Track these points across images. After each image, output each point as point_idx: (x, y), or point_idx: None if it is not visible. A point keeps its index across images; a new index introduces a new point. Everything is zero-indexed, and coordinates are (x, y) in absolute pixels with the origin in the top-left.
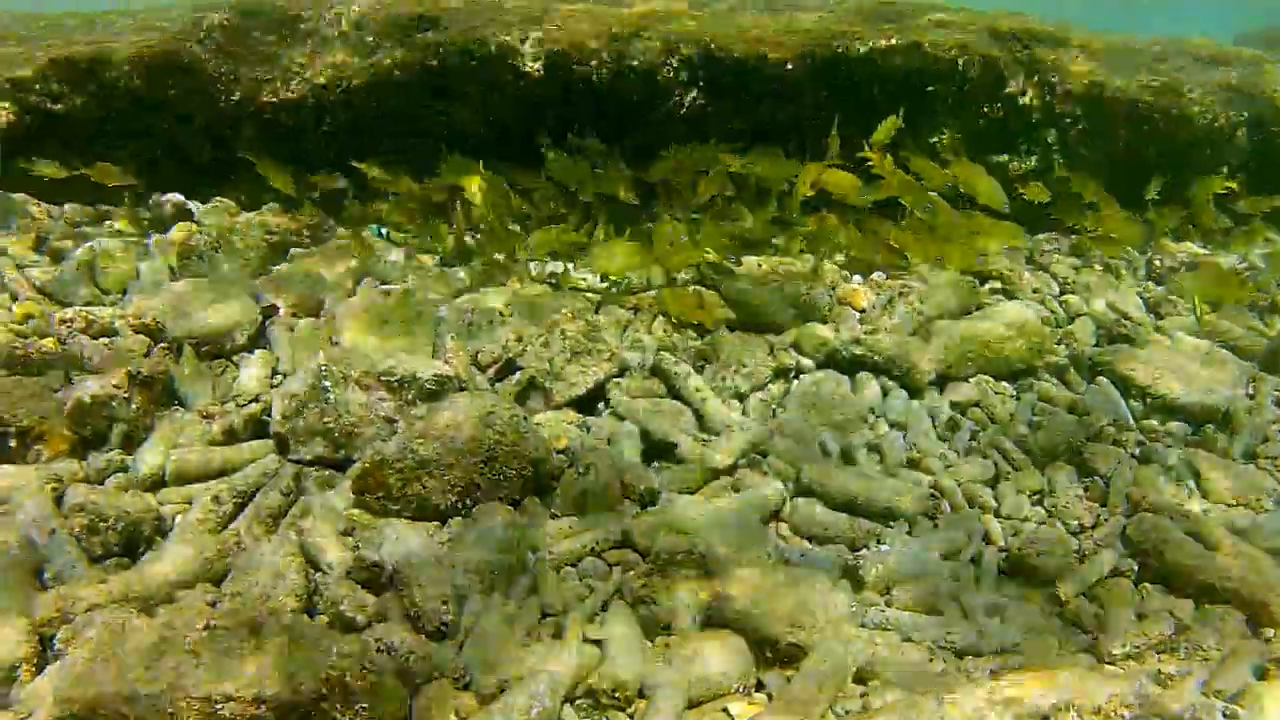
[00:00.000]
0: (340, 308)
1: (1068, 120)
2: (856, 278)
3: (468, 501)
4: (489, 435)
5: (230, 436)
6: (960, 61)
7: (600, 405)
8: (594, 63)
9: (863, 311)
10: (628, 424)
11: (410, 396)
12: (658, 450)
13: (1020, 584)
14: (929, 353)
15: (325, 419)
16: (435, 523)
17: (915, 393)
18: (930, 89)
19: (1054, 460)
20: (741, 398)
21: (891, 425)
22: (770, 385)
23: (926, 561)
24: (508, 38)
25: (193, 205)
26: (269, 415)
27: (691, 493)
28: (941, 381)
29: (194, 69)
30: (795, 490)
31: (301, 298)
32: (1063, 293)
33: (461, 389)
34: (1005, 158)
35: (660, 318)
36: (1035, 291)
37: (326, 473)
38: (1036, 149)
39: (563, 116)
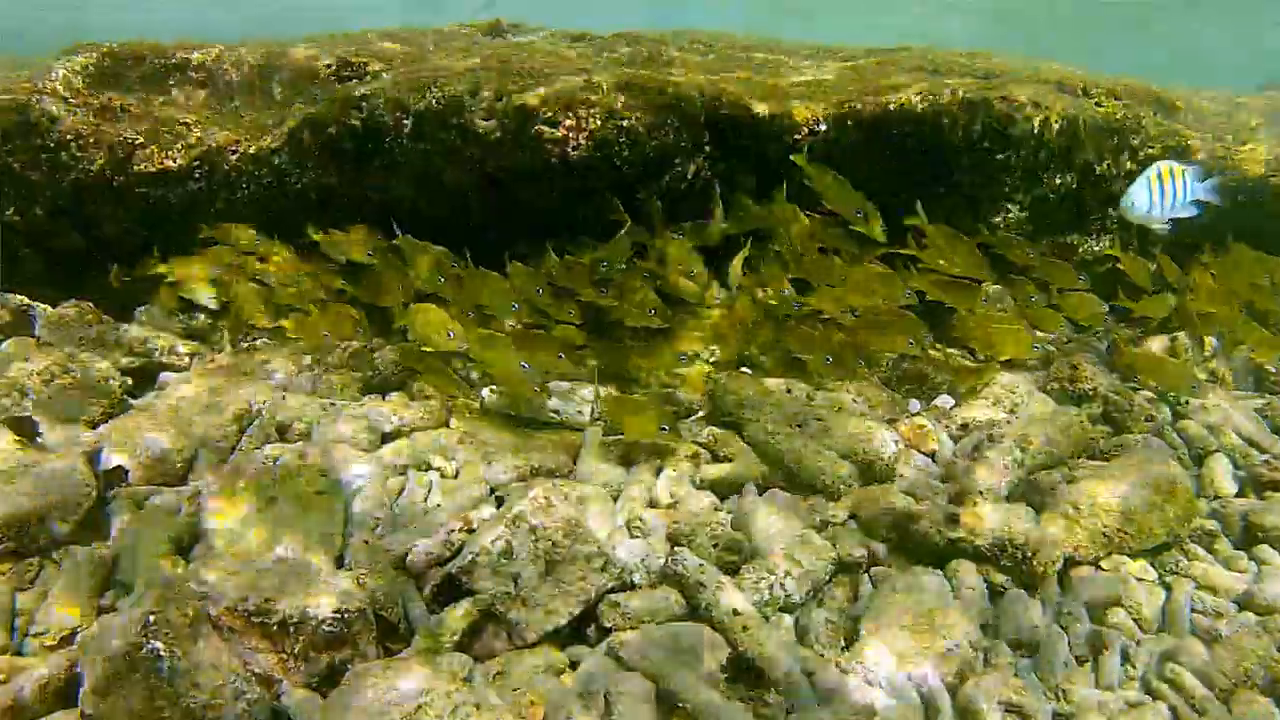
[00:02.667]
0: (207, 479)
1: None
2: (914, 403)
3: None
4: None
5: (11, 715)
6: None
7: (589, 631)
8: None
9: (933, 457)
10: (634, 680)
11: (298, 648)
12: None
13: None
14: (1051, 531)
15: (157, 701)
16: None
17: (1036, 592)
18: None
19: (1244, 690)
20: (793, 609)
21: (1013, 647)
22: (831, 588)
23: None
24: None
25: (36, 310)
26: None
27: None
28: (1062, 571)
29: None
30: None
31: (161, 459)
32: (1176, 417)
33: (383, 624)
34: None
35: (666, 476)
36: (1149, 420)
37: None
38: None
39: None
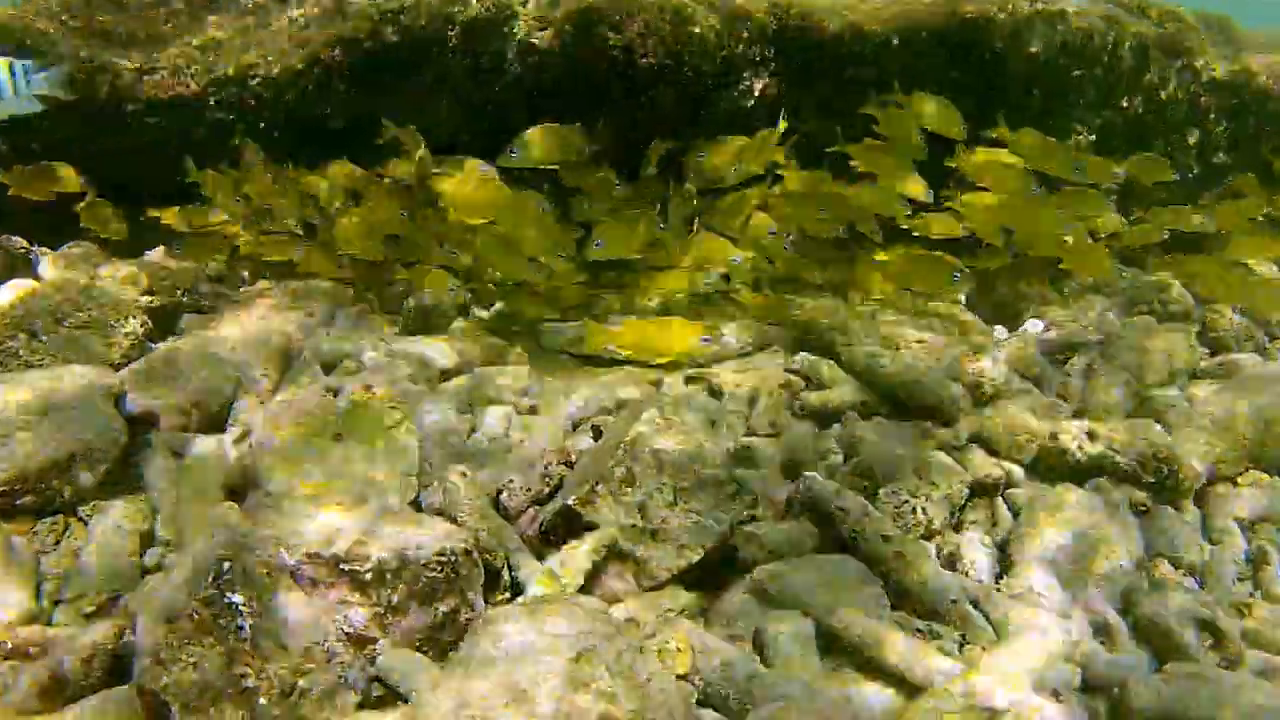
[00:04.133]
0: (258, 417)
1: None
2: (1000, 329)
3: None
4: (588, 706)
5: (52, 692)
6: None
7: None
8: None
9: (1037, 382)
10: (794, 618)
11: (396, 599)
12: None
13: None
14: (1190, 444)
15: (238, 667)
16: None
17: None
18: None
19: None
20: (932, 536)
21: (1175, 566)
22: (970, 512)
23: None
24: None
25: (37, 252)
26: (133, 637)
27: None
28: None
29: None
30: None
31: (196, 398)
32: (1270, 339)
33: (488, 573)
34: None
35: (763, 399)
36: (1249, 340)
37: None
38: None
39: None
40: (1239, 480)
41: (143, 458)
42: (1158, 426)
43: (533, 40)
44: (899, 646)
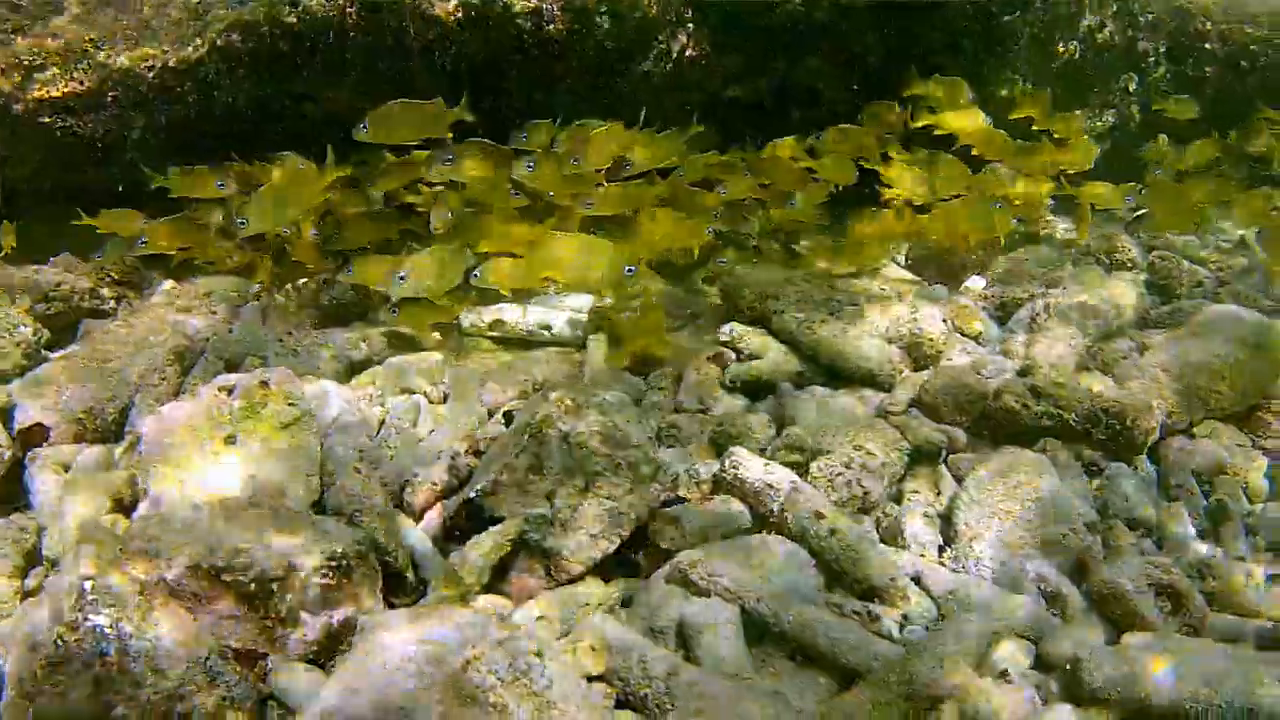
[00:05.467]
0: (147, 424)
1: None
2: (939, 288)
3: None
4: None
5: None
6: None
7: (637, 556)
8: None
9: (978, 340)
10: (718, 606)
11: (284, 610)
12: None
13: None
14: (1144, 399)
15: (105, 693)
16: None
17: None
18: None
19: None
20: (871, 509)
21: (1131, 527)
22: (910, 482)
23: None
24: None
25: None
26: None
27: None
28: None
29: None
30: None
31: (91, 410)
32: (1220, 283)
33: (389, 574)
34: None
35: (689, 372)
36: (1198, 285)
37: None
38: None
39: None
40: (1195, 432)
41: (31, 472)
42: (1108, 380)
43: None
44: (833, 632)
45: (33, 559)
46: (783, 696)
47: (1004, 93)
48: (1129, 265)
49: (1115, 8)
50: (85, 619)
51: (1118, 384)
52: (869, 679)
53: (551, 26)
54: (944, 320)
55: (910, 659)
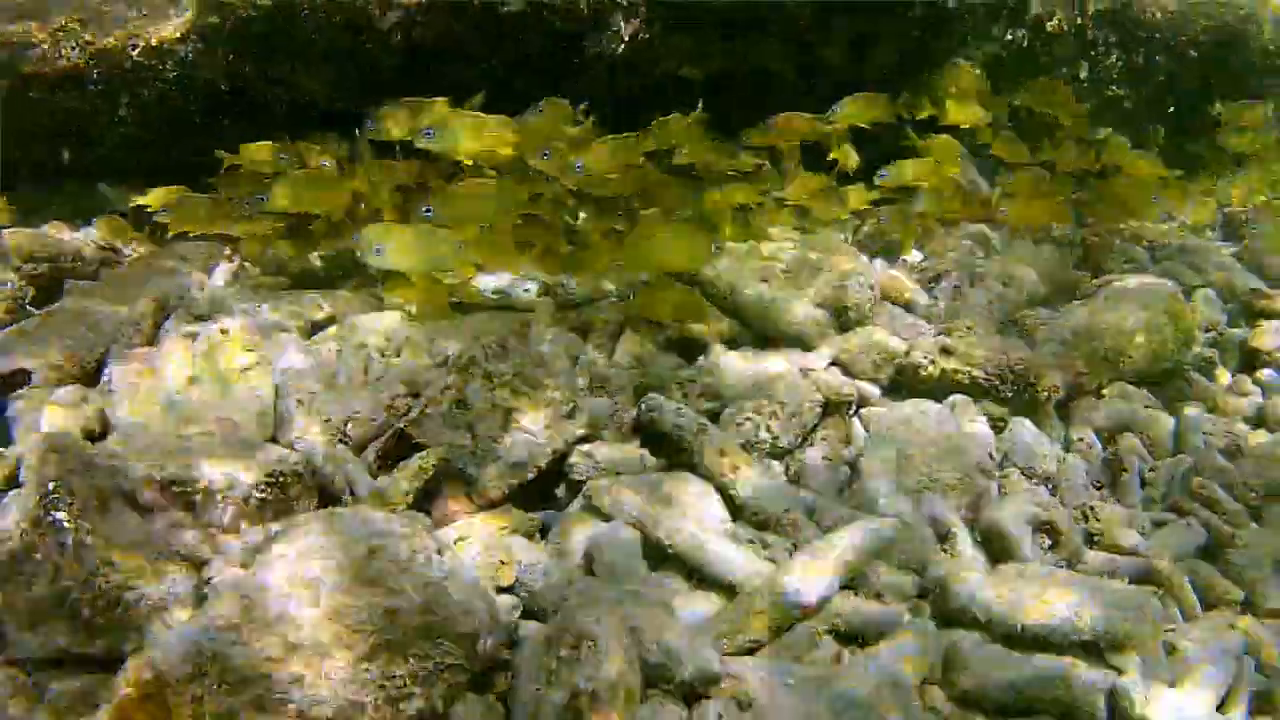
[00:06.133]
0: (117, 367)
1: None
2: (878, 262)
3: None
4: (372, 603)
5: None
6: None
7: (560, 492)
8: None
9: (908, 308)
10: (620, 528)
11: (227, 519)
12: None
13: None
14: (1047, 359)
15: (62, 580)
16: None
17: (1037, 423)
18: None
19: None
20: (781, 455)
21: (1027, 476)
22: (822, 430)
23: None
24: None
25: None
26: None
27: (750, 653)
28: (1062, 402)
29: None
30: (936, 619)
31: (72, 355)
32: (1154, 260)
33: (326, 496)
34: None
35: (626, 335)
36: (1129, 262)
37: (75, 683)
38: None
39: None
40: (1105, 392)
41: (11, 411)
42: (1020, 343)
43: None
44: (722, 553)
45: (13, 484)
46: (668, 606)
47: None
48: (1065, 242)
49: None
50: (47, 515)
51: (1031, 347)
52: (745, 591)
53: (506, 9)
54: (870, 288)
55: (778, 575)
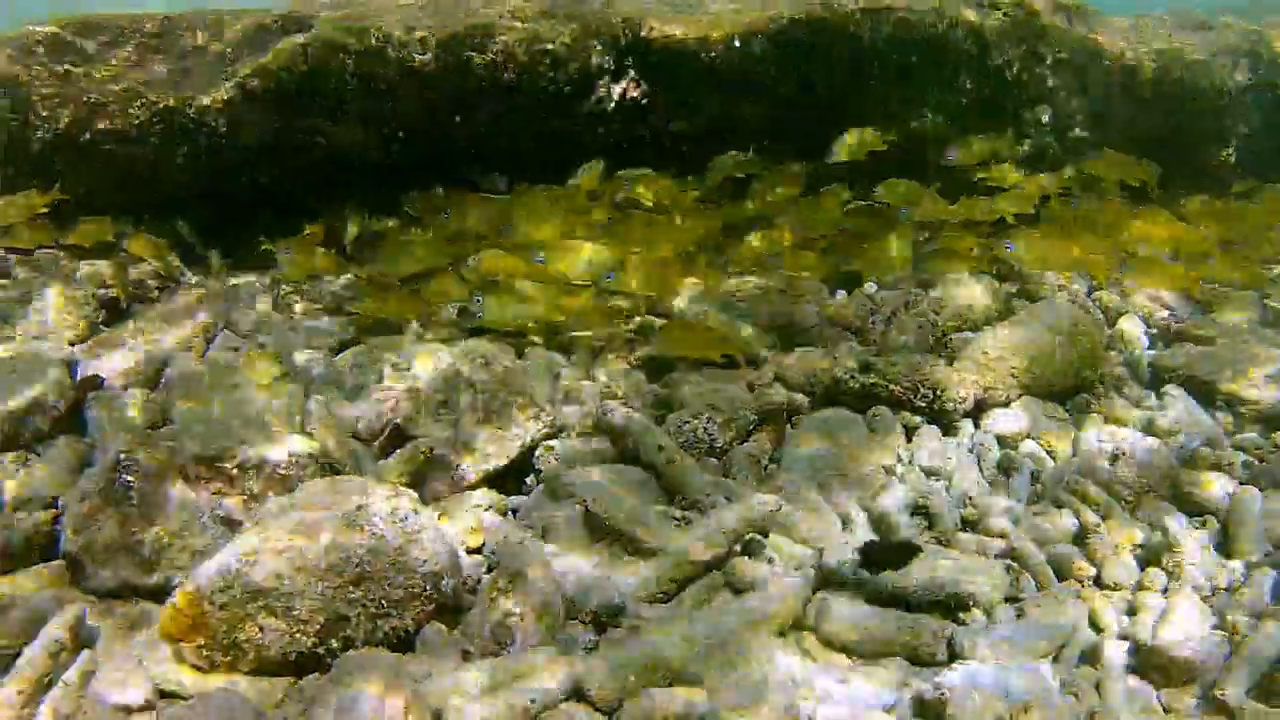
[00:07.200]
0: (174, 368)
1: None
2: (840, 294)
3: (332, 644)
4: (356, 542)
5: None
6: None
7: (529, 480)
8: None
9: (857, 331)
10: (568, 506)
11: (257, 488)
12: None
13: (1159, 686)
14: (959, 374)
15: (130, 529)
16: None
17: (947, 429)
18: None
19: (1147, 500)
20: (720, 453)
21: (928, 474)
22: (757, 434)
23: (1033, 679)
24: None
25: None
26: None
27: (666, 600)
28: (976, 411)
29: None
30: (818, 581)
31: (135, 365)
32: (1091, 290)
33: (334, 473)
34: None
35: (602, 357)
36: (1061, 289)
37: (136, 608)
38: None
39: None
40: (1012, 404)
41: (90, 406)
42: (941, 361)
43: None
44: (649, 525)
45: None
46: (598, 563)
47: (914, 125)
48: (1015, 276)
49: (1024, 47)
50: (117, 477)
51: (954, 362)
52: (660, 554)
53: (505, 75)
54: (817, 312)
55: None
